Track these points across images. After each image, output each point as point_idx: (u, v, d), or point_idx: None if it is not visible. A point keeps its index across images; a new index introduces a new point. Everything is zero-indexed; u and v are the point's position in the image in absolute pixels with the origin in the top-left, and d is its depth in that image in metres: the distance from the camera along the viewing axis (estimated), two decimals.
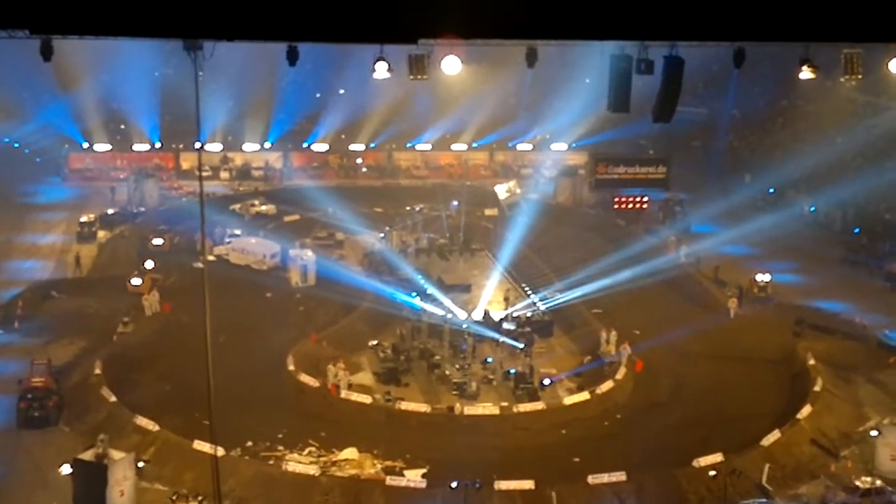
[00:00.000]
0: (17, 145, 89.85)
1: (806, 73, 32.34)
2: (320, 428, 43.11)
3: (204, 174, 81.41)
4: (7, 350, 49.77)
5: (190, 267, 59.66)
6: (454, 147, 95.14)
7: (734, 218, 71.58)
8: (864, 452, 41.46)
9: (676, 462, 39.93)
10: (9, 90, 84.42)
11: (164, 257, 63.27)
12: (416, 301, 57.25)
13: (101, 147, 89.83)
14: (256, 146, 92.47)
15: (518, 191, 76.43)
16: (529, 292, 61.70)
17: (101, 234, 69.26)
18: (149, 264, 60.32)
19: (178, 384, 45.12)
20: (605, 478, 37.97)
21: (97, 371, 45.24)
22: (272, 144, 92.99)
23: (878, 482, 38.74)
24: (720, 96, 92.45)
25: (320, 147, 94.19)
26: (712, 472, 38.00)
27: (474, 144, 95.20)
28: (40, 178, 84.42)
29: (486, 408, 45.67)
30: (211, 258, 60.93)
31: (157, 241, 65.34)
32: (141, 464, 37.77)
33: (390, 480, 38.15)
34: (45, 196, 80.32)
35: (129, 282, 57.54)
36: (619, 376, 48.38)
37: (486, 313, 56.89)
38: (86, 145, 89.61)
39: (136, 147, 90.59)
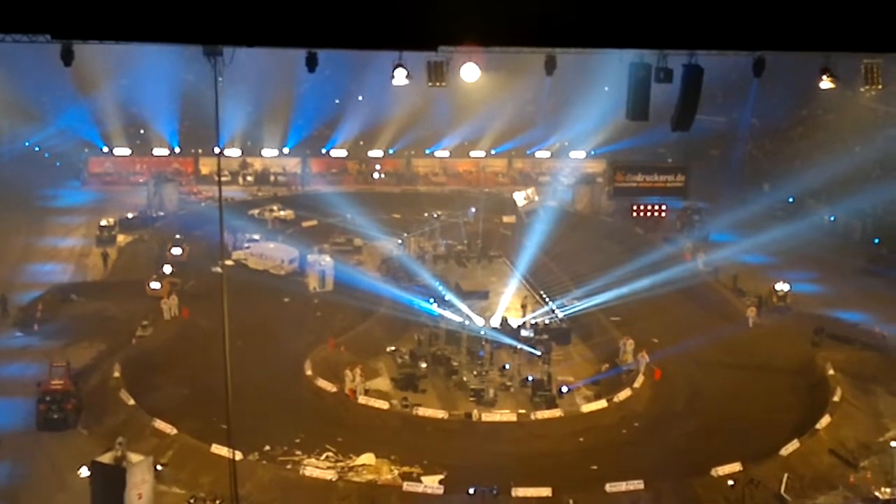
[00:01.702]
0: (37, 149, 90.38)
1: (826, 83, 32.26)
2: (338, 433, 43.10)
3: (223, 179, 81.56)
4: (26, 352, 49.95)
5: (208, 271, 59.81)
6: (472, 154, 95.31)
7: (753, 227, 71.38)
8: (883, 463, 41.17)
9: (694, 471, 39.76)
10: (30, 94, 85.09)
11: (183, 264, 63.48)
12: (434, 307, 57.30)
13: (121, 151, 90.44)
14: (275, 151, 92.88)
15: (536, 198, 76.54)
16: (547, 299, 61.65)
17: (121, 237, 69.55)
18: (167, 268, 60.47)
19: (196, 388, 45.22)
20: (622, 486, 37.81)
21: (116, 374, 45.37)
22: (291, 150, 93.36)
23: None
24: (739, 105, 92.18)
25: (339, 153, 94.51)
26: (730, 482, 37.82)
27: (493, 151, 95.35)
28: (60, 181, 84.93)
29: (504, 415, 45.61)
30: (229, 263, 61.04)
31: (176, 251, 65.11)
32: (159, 467, 37.80)
33: (407, 486, 38.11)
34: (64, 200, 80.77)
35: (149, 285, 57.71)
36: (636, 384, 48.29)
37: (504, 320, 56.90)
38: (106, 149, 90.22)
39: (156, 151, 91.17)
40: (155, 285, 57.60)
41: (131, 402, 43.13)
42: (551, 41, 16.60)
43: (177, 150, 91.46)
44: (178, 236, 67.99)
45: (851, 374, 49.13)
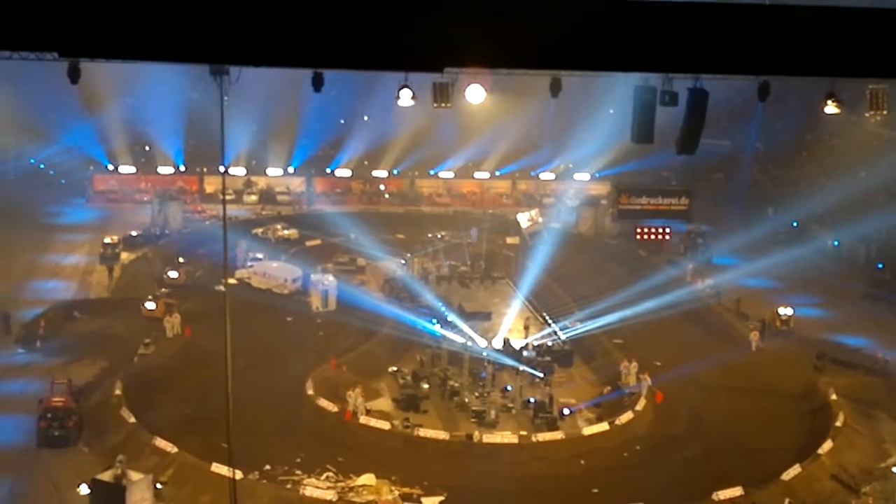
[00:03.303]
0: (42, 166, 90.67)
1: (831, 108, 32.34)
2: (338, 453, 42.99)
3: (227, 198, 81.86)
4: (28, 369, 49.94)
5: (211, 290, 59.82)
6: (477, 175, 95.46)
7: (757, 251, 71.32)
8: (885, 489, 41.05)
9: (696, 495, 39.67)
10: (36, 112, 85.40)
11: (186, 282, 63.51)
12: (437, 328, 57.26)
13: (126, 169, 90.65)
14: (280, 171, 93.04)
15: (540, 220, 76.53)
16: (550, 321, 61.58)
17: (125, 255, 69.58)
18: (164, 289, 60.35)
19: (197, 407, 45.16)
20: None
21: (117, 392, 45.36)
22: (295, 169, 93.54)
23: None
24: (744, 129, 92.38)
25: (343, 173, 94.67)
26: None
27: (497, 173, 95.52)
28: (65, 199, 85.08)
29: (505, 436, 45.49)
30: (232, 281, 61.04)
31: (173, 275, 64.72)
32: (159, 485, 37.77)
33: None
34: (69, 217, 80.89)
35: (144, 306, 57.40)
36: (639, 407, 48.18)
37: (507, 341, 56.82)
38: (111, 167, 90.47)
39: (161, 170, 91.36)
40: (150, 305, 57.28)
41: (132, 419, 43.10)
42: (557, 64, 16.61)
43: (182, 168, 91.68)
44: (180, 259, 68.06)
45: (854, 399, 49.01)
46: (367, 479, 40.67)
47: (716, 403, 50.22)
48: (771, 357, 55.91)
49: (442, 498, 39.31)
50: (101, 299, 61.30)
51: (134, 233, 74.41)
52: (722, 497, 38.61)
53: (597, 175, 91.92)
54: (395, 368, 53.18)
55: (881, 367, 53.51)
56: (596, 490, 41.11)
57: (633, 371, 51.39)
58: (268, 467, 41.04)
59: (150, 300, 57.75)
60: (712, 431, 47.44)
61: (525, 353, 54.93)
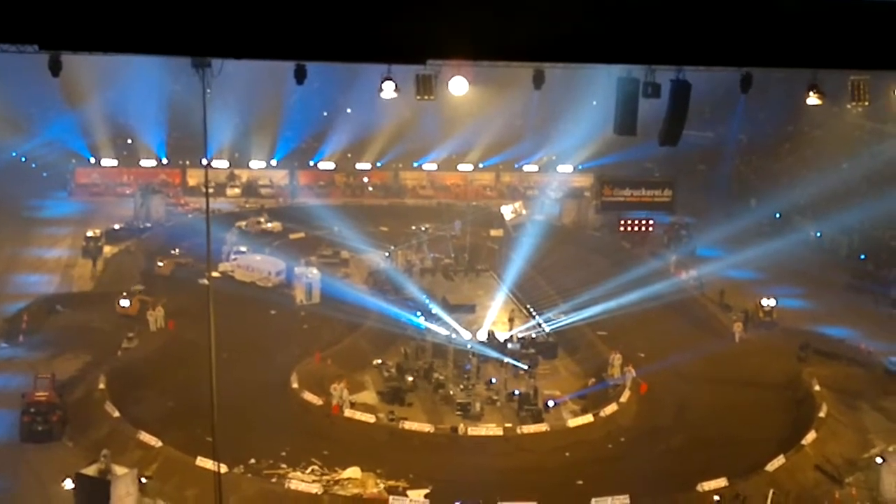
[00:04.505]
0: (24, 160, 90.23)
1: (813, 99, 32.40)
2: (323, 446, 42.94)
3: (210, 191, 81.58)
4: (11, 364, 49.69)
5: (194, 283, 59.66)
6: (460, 167, 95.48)
7: (740, 242, 71.48)
8: (869, 479, 41.23)
9: (680, 486, 39.71)
10: (17, 105, 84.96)
11: (167, 277, 63.40)
12: (421, 320, 57.27)
13: (108, 162, 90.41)
14: (263, 164, 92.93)
15: (524, 212, 76.65)
16: (534, 313, 61.69)
17: (108, 249, 69.28)
18: (138, 285, 59.91)
19: (181, 400, 45.06)
20: (608, 501, 37.74)
21: (101, 386, 45.16)
22: (279, 162, 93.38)
23: None
24: (727, 121, 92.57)
25: (327, 165, 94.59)
26: (716, 497, 37.89)
27: (481, 165, 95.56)
28: (47, 192, 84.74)
29: (490, 429, 45.55)
30: (216, 275, 60.88)
31: (160, 264, 64.56)
32: (143, 480, 37.63)
33: (393, 500, 37.97)
34: (51, 210, 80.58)
35: (118, 303, 56.64)
36: (623, 399, 48.28)
37: (491, 334, 56.88)
38: (93, 160, 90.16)
39: (143, 163, 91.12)
40: (125, 303, 56.53)
41: (116, 414, 42.92)
42: (540, 56, 16.59)
43: (164, 161, 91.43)
44: (175, 250, 67.74)
45: (837, 390, 49.19)
46: (353, 472, 40.64)
47: (700, 395, 50.35)
48: (754, 348, 56.10)
49: (427, 490, 39.25)
50: (83, 293, 61.04)
51: (117, 226, 74.16)
52: (706, 488, 38.66)
53: (580, 167, 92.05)
54: (379, 361, 53.15)
55: (864, 357, 53.77)
56: (581, 482, 41.14)
57: (617, 363, 51.48)
58: (253, 461, 40.93)
59: (124, 297, 56.91)
60: (696, 423, 47.54)
61: (509, 345, 55.00)
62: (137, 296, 57.47)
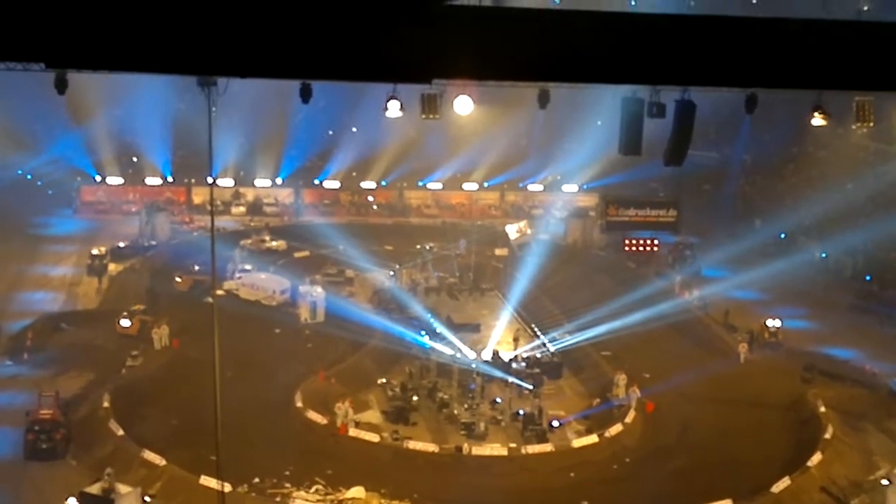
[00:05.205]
0: (29, 177, 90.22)
1: (818, 120, 32.35)
2: (327, 465, 42.89)
3: (215, 209, 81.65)
4: (16, 381, 49.71)
5: (199, 301, 59.66)
6: (465, 186, 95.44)
7: (744, 263, 71.36)
8: (874, 501, 41.05)
9: None
10: (23, 122, 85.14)
11: (178, 295, 63.37)
12: (425, 340, 57.21)
13: (114, 180, 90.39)
14: (268, 182, 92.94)
15: (528, 231, 76.51)
16: (539, 333, 61.57)
17: (112, 266, 69.32)
18: (139, 305, 59.72)
19: (185, 419, 45.01)
20: None
21: (105, 404, 45.18)
22: (284, 180, 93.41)
23: None
24: (732, 141, 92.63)
25: (332, 184, 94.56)
26: None
27: (485, 184, 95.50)
28: (52, 210, 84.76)
29: (495, 449, 45.45)
30: (221, 293, 60.87)
31: (125, 323, 63.36)
32: (147, 498, 37.63)
33: None
34: (56, 228, 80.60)
35: (119, 323, 56.29)
36: (628, 419, 48.19)
37: (496, 353, 56.78)
38: (98, 178, 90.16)
39: (149, 181, 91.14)
40: (125, 323, 56.25)
41: (120, 432, 42.94)
42: (545, 75, 16.65)
43: (169, 179, 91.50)
44: (196, 267, 67.64)
45: (842, 411, 49.03)
46: (357, 491, 40.57)
47: (704, 415, 50.20)
48: (759, 369, 55.96)
49: None
50: (88, 311, 61.05)
51: (122, 244, 74.15)
52: None
53: (585, 186, 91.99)
54: (383, 380, 53.09)
55: (869, 378, 53.58)
56: (585, 502, 41.05)
57: (622, 383, 51.37)
58: (257, 480, 40.90)
59: (124, 317, 56.59)
60: (701, 443, 47.39)
61: (514, 364, 54.92)
62: (138, 315, 57.36)
